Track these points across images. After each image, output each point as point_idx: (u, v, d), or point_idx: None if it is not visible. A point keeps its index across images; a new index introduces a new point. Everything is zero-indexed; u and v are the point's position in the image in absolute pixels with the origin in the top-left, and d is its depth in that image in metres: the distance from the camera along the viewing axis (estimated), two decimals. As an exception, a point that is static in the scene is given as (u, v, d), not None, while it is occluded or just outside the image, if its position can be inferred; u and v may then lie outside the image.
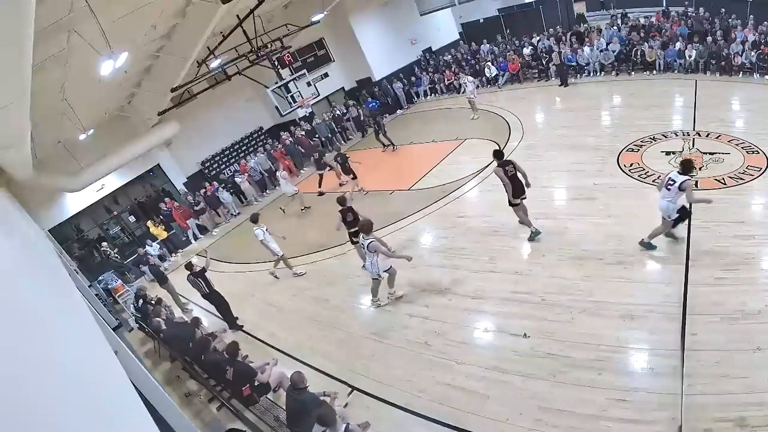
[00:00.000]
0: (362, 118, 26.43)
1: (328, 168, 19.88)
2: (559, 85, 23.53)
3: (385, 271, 11.07)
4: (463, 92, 23.32)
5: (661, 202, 10.15)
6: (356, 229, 11.98)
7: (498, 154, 11.89)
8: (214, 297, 13.10)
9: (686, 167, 9.90)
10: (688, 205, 10.37)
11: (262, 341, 12.42)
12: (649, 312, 9.10)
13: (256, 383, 9.35)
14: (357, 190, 18.46)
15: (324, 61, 28.05)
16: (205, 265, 13.00)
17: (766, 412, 7.04)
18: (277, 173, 20.32)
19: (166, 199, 21.74)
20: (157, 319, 12.36)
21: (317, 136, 25.35)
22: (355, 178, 18.69)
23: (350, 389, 9.60)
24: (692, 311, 8.87)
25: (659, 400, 7.47)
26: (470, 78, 22.21)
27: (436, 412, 8.41)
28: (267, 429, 8.75)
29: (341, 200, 12.59)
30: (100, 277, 19.05)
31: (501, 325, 9.93)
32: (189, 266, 13.04)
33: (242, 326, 13.17)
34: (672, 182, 9.83)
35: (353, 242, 12.93)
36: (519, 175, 11.54)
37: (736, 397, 7.32)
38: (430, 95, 28.81)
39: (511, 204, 11.83)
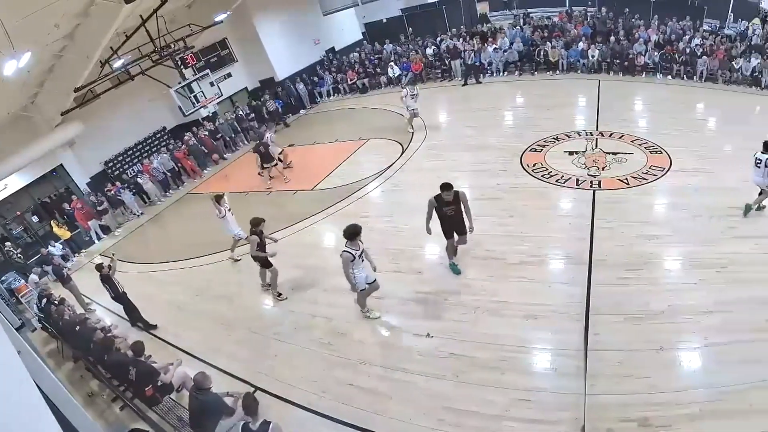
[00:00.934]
0: (279, 110, 26.20)
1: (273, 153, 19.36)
2: (463, 85, 23.97)
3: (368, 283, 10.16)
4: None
5: (756, 178, 10.96)
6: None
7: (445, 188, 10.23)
8: (122, 300, 12.68)
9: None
10: None
11: (166, 342, 11.88)
12: (553, 312, 9.23)
13: (159, 383, 9.15)
14: (286, 165, 18.86)
15: (227, 61, 27.63)
16: (110, 271, 12.47)
17: (668, 412, 7.22)
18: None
19: (73, 196, 20.83)
20: (65, 317, 12.05)
21: (220, 135, 24.85)
22: (278, 163, 18.71)
23: (254, 389, 9.26)
24: (596, 311, 9.05)
25: (562, 400, 7.55)
26: (411, 89, 21.45)
27: (339, 412, 8.27)
28: (170, 429, 8.48)
29: (254, 222, 11.88)
30: (3, 277, 18.11)
31: (404, 326, 9.87)
32: (99, 268, 12.52)
33: (156, 325, 12.61)
34: (759, 161, 10.69)
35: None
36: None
37: (639, 397, 7.48)
38: (334, 95, 28.73)
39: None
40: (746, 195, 11.52)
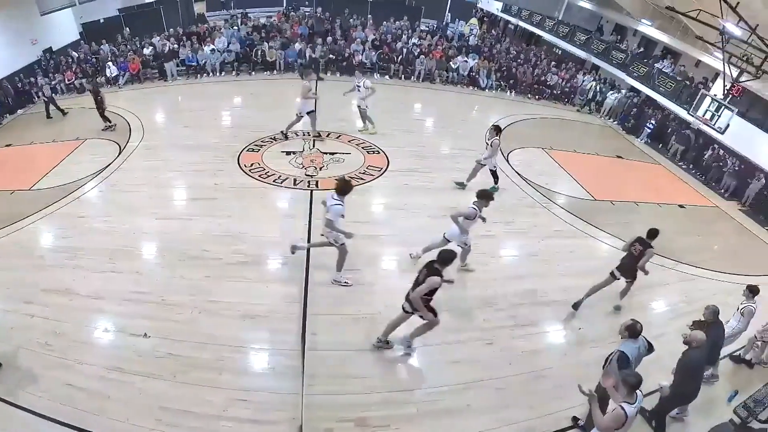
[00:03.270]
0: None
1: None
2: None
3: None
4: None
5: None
6: None
7: None
8: None
9: None
10: None
11: None
12: (270, 312, 9.69)
13: None
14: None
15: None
16: None
17: (385, 412, 7.98)
18: None
19: None
20: None
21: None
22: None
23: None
24: (313, 311, 9.66)
25: (280, 400, 7.97)
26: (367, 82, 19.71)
27: (58, 412, 7.88)
28: None
29: None
30: None
31: (121, 325, 9.62)
32: None
33: None
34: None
35: None
36: None
37: (357, 397, 8.16)
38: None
39: None
40: (460, 195, 13.05)
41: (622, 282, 11.00)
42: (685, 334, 8.31)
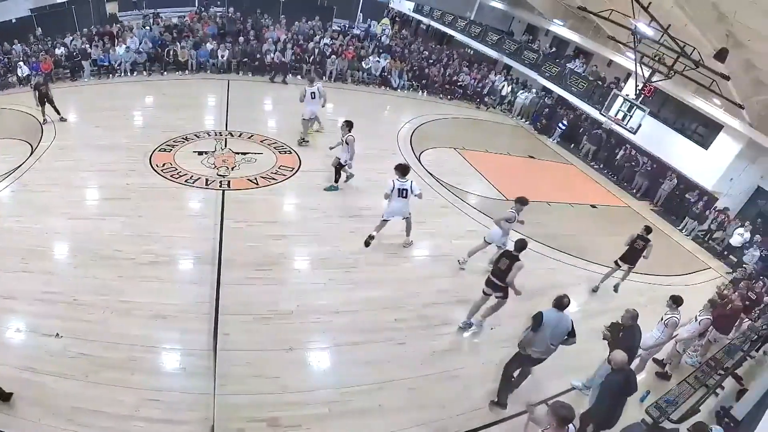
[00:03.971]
0: None
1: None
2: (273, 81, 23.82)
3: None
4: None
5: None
6: None
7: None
8: None
9: None
10: None
11: None
12: (181, 312, 9.62)
13: None
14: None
15: None
16: None
17: (298, 412, 8.08)
18: None
19: None
20: None
21: None
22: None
23: None
24: (225, 311, 9.66)
25: (192, 400, 7.96)
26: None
27: None
28: None
29: None
30: None
31: (33, 326, 9.36)
32: None
33: None
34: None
35: None
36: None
37: (269, 397, 8.23)
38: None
39: None
40: (371, 195, 13.27)
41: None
42: (604, 332, 8.80)
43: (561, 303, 8.39)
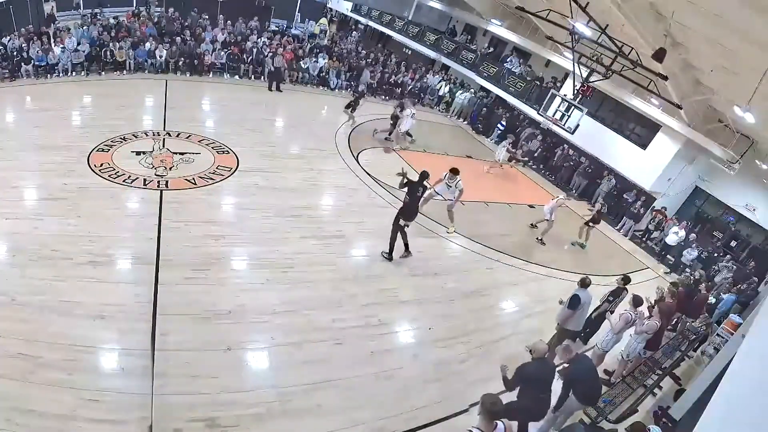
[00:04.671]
0: None
1: None
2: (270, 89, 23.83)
3: None
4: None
5: None
6: None
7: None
8: None
9: None
10: None
11: None
12: (120, 312, 9.57)
13: None
14: None
15: None
16: None
17: (236, 412, 8.17)
18: None
19: None
20: None
21: None
22: None
23: None
24: (163, 311, 9.68)
25: (130, 400, 7.97)
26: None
27: None
28: None
29: None
30: None
31: None
32: None
33: None
34: None
35: None
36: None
37: (207, 397, 8.30)
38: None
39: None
40: (309, 195, 13.42)
41: None
42: (528, 346, 9.01)
43: (585, 282, 10.15)
